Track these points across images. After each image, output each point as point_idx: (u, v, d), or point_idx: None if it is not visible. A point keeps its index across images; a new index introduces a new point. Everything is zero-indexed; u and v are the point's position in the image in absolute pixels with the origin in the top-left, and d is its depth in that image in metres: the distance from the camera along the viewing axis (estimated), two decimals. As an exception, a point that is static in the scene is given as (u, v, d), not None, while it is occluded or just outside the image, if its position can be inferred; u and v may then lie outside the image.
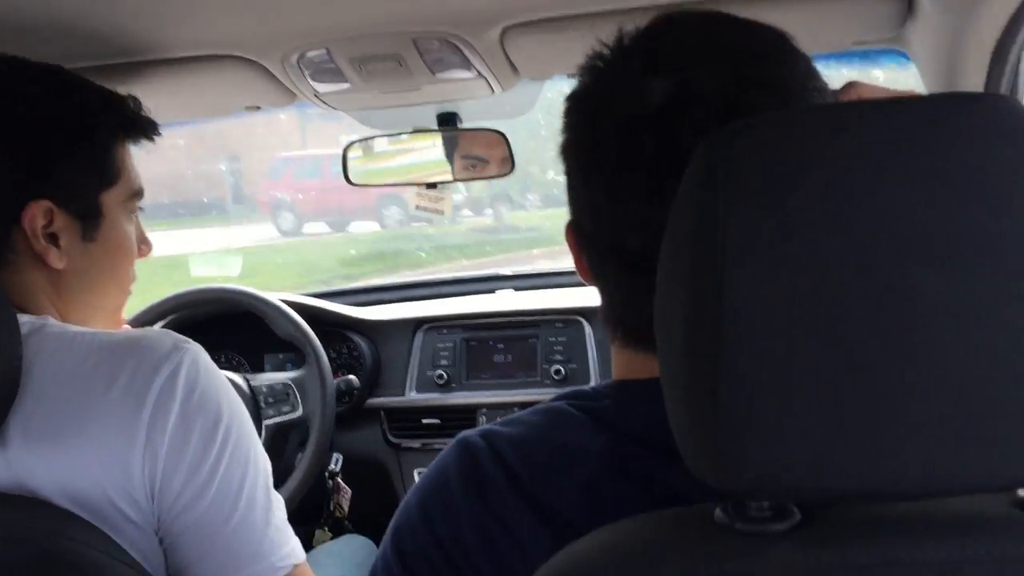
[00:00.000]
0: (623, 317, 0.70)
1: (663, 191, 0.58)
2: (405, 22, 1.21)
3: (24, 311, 0.94)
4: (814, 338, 0.47)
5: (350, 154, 1.82)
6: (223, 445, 0.92)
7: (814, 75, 0.67)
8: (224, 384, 0.95)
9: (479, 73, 1.40)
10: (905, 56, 1.35)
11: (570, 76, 1.54)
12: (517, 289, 2.33)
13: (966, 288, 0.46)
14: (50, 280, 0.99)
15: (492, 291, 2.34)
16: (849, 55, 1.42)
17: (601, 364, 1.95)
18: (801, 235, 0.47)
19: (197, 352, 0.94)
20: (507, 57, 1.35)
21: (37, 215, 0.95)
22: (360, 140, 1.84)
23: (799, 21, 1.19)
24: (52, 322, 0.93)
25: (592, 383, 1.93)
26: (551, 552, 0.56)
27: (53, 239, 0.97)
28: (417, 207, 1.94)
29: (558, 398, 0.72)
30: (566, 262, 2.34)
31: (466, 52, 1.31)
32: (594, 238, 0.70)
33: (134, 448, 0.87)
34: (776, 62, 0.65)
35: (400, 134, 1.85)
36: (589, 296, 2.08)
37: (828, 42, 1.28)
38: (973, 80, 1.14)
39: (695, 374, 0.49)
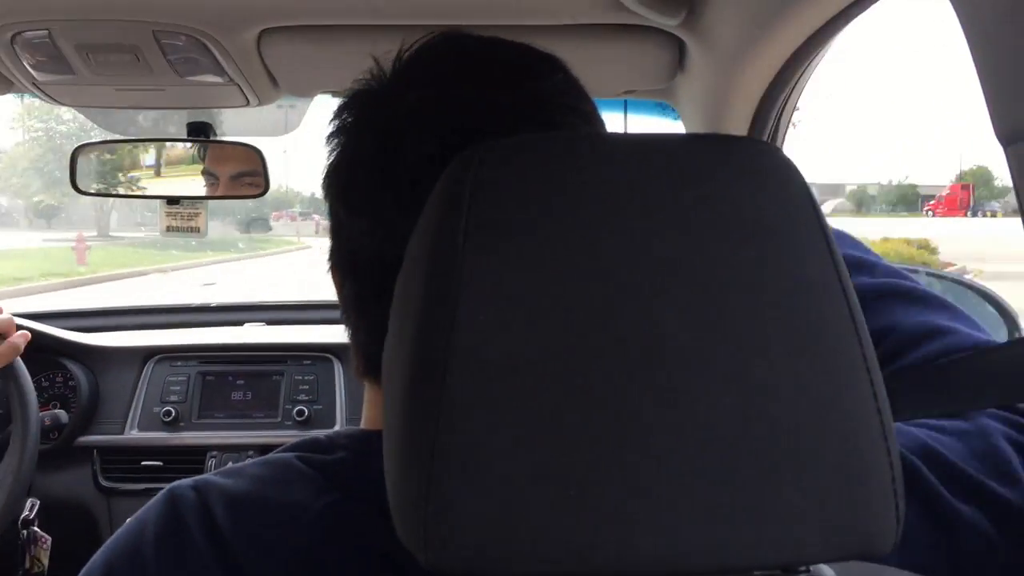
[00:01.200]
0: (367, 348, 0.66)
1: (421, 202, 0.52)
2: (142, 10, 1.06)
3: None
4: (550, 392, 0.41)
5: (80, 158, 1.62)
6: None
7: (571, 94, 0.65)
8: None
9: (232, 80, 1.27)
10: (670, 108, 1.37)
11: (334, 94, 1.46)
12: (269, 323, 2.18)
13: (712, 337, 0.42)
14: None
15: (240, 323, 2.18)
16: (615, 103, 1.43)
17: (349, 406, 1.85)
18: (544, 269, 0.42)
19: None
20: (264, 66, 1.23)
21: None
22: (95, 143, 1.65)
23: (574, 64, 1.18)
24: None
25: (338, 426, 1.82)
26: None
27: None
28: (168, 228, 1.75)
29: (290, 448, 0.65)
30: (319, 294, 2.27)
31: (216, 54, 1.18)
32: (353, 258, 0.66)
33: None
34: (535, 79, 0.64)
35: (142, 140, 1.68)
36: (343, 332, 2.01)
37: (600, 88, 1.27)
38: (735, 132, 1.16)
39: (413, 421, 0.43)
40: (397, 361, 0.46)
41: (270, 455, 0.65)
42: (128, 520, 0.63)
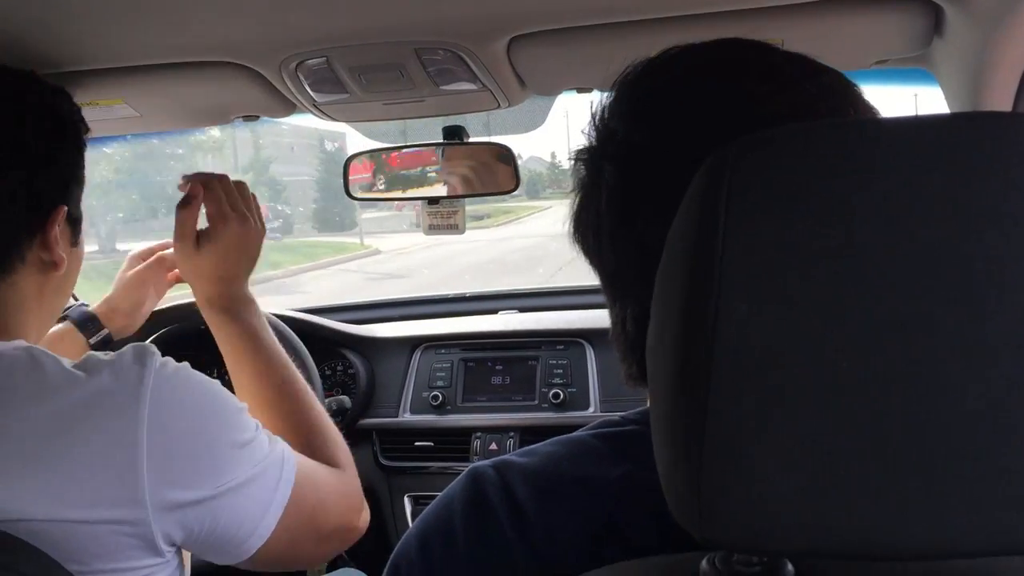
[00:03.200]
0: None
1: None
2: (406, 31, 1.16)
3: (3, 330, 0.93)
4: (816, 381, 0.42)
5: (352, 167, 1.77)
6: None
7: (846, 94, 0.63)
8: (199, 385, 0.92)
9: (484, 86, 1.35)
10: (928, 75, 1.30)
11: (579, 91, 1.51)
12: (522, 310, 2.28)
13: (989, 328, 0.41)
14: (40, 289, 0.97)
15: (495, 311, 2.29)
16: (868, 74, 1.37)
17: (602, 389, 1.90)
18: (807, 263, 0.42)
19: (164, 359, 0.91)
20: (514, 70, 1.31)
21: (61, 222, 0.96)
22: (364, 152, 1.79)
23: (817, 38, 1.16)
24: (28, 348, 0.89)
25: (592, 408, 1.88)
26: None
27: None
28: (430, 227, 1.88)
29: (587, 428, 0.69)
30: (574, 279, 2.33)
31: (471, 63, 1.26)
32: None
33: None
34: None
35: (403, 147, 1.80)
36: (593, 318, 2.08)
37: (849, 60, 1.24)
38: (999, 102, 1.10)
39: (682, 414, 0.45)
40: (661, 353, 0.48)
41: (563, 436, 0.69)
42: (435, 498, 0.70)
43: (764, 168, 0.44)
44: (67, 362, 0.87)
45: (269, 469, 0.95)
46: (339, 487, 1.10)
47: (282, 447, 0.99)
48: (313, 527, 1.01)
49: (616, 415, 0.70)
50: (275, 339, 1.26)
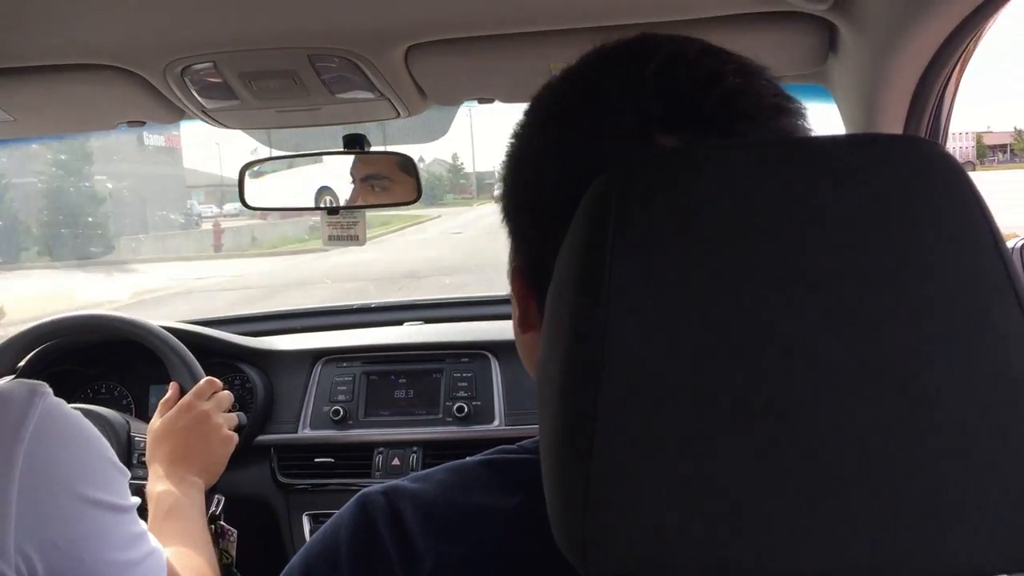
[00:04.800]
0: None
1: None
2: (298, 38, 1.12)
3: None
4: (705, 409, 0.41)
5: (248, 175, 1.72)
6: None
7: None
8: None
9: (383, 95, 1.32)
10: (826, 92, 1.32)
11: (481, 101, 1.48)
12: (427, 320, 2.24)
13: (873, 346, 0.41)
14: None
15: (399, 322, 2.25)
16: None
17: (507, 402, 1.87)
18: (695, 281, 0.42)
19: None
20: (413, 79, 1.27)
21: None
22: (258, 161, 1.74)
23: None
24: None
25: (496, 422, 1.86)
26: None
27: None
28: (330, 238, 1.83)
29: (481, 454, 0.68)
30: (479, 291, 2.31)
31: (367, 72, 1.22)
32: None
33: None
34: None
35: (302, 155, 1.75)
36: (499, 329, 2.06)
37: None
38: (893, 120, 1.11)
39: (566, 443, 0.44)
40: (548, 382, 0.47)
41: (456, 462, 0.67)
42: (321, 527, 0.67)
43: (651, 191, 0.43)
44: None
45: (148, 563, 0.93)
46: None
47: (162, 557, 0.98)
48: None
49: (513, 444, 0.68)
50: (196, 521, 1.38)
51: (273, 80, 1.23)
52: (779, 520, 0.41)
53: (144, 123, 1.45)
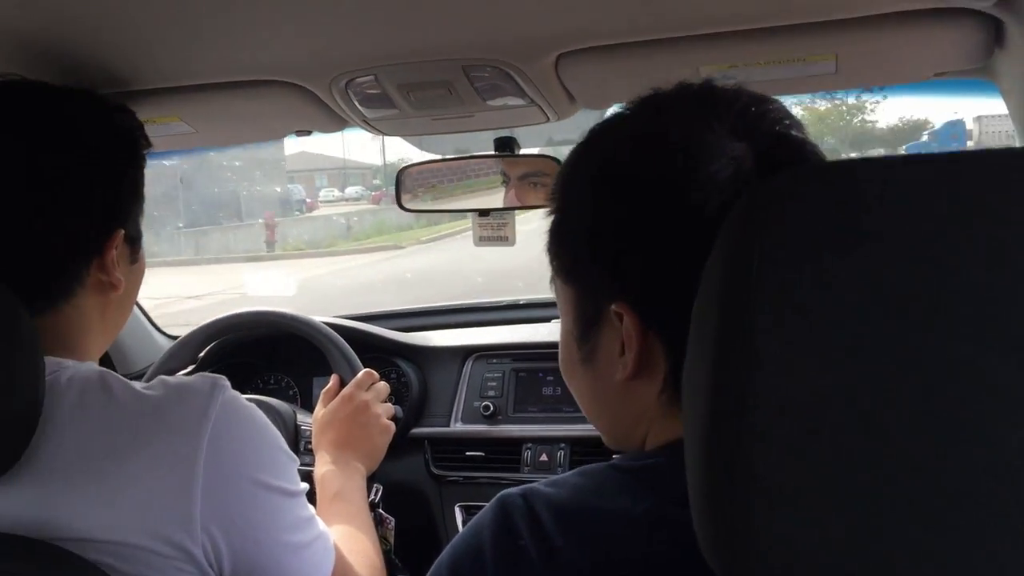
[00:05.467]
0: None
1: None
2: (454, 50, 1.17)
3: (71, 349, 0.94)
4: (859, 428, 0.41)
5: (404, 178, 1.79)
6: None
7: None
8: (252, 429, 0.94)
9: (532, 101, 1.35)
10: (992, 86, 1.27)
11: (629, 105, 1.50)
12: None
13: None
14: (102, 309, 0.98)
15: (547, 319, 2.28)
16: (929, 85, 1.33)
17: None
18: (844, 303, 0.41)
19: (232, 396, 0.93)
20: (562, 85, 1.30)
21: (119, 244, 0.97)
22: (415, 163, 1.80)
23: (872, 52, 1.13)
24: (101, 372, 0.91)
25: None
26: None
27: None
28: (481, 239, 1.89)
29: (609, 459, 0.70)
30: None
31: (518, 80, 1.26)
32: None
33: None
34: None
35: (454, 158, 1.81)
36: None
37: (906, 73, 1.21)
38: None
39: (716, 452, 0.45)
40: (693, 391, 0.48)
41: (589, 466, 0.70)
42: (465, 526, 0.71)
43: (798, 206, 0.43)
44: (138, 385, 0.90)
45: (317, 545, 1.00)
46: None
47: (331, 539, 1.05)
48: None
49: (638, 449, 0.70)
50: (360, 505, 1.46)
51: (430, 90, 1.28)
52: (928, 547, 0.41)
53: (311, 132, 1.53)
